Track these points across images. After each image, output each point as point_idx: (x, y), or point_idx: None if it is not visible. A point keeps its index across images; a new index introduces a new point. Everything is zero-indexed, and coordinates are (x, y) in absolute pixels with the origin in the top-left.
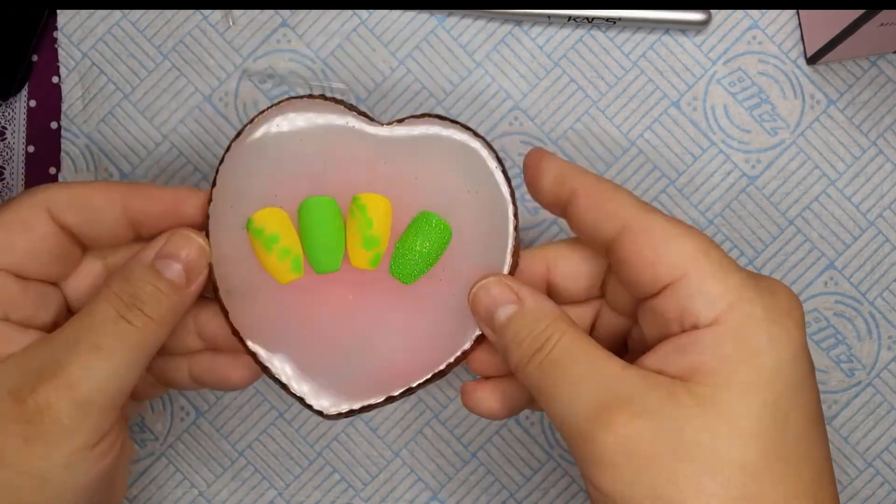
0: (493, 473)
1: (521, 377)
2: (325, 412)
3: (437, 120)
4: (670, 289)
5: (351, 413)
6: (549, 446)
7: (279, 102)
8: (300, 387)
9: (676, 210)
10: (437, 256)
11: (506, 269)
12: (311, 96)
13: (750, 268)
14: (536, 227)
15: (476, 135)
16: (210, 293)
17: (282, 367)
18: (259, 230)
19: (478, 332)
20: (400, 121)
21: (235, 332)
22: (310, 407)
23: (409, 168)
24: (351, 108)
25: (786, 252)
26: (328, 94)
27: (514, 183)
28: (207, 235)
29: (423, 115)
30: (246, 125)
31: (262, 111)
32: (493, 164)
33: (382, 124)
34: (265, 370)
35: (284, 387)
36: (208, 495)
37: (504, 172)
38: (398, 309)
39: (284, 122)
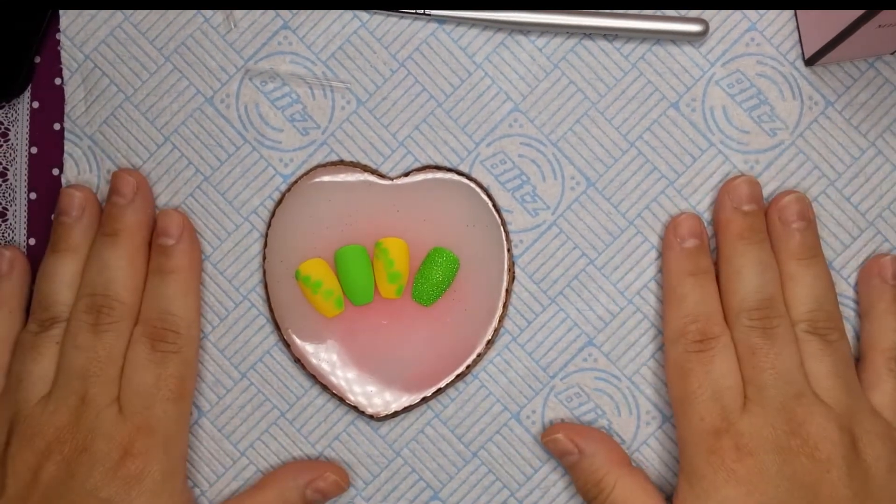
0: (494, 472)
1: None
2: (376, 415)
3: (434, 169)
4: None
5: (396, 414)
6: None
7: (309, 171)
8: (355, 397)
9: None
10: (450, 282)
11: (504, 285)
12: (333, 163)
13: None
14: (536, 228)
15: (468, 176)
16: None
17: (339, 382)
18: (306, 278)
19: (488, 338)
20: (406, 174)
21: (298, 360)
22: (362, 413)
23: (418, 212)
24: (365, 168)
25: None
26: (328, 93)
27: (505, 199)
28: (266, 287)
29: (423, 167)
30: (285, 193)
31: (295, 181)
32: (484, 197)
33: (392, 179)
34: (325, 386)
35: (341, 399)
36: (210, 494)
37: (494, 203)
38: (422, 327)
39: (314, 186)
